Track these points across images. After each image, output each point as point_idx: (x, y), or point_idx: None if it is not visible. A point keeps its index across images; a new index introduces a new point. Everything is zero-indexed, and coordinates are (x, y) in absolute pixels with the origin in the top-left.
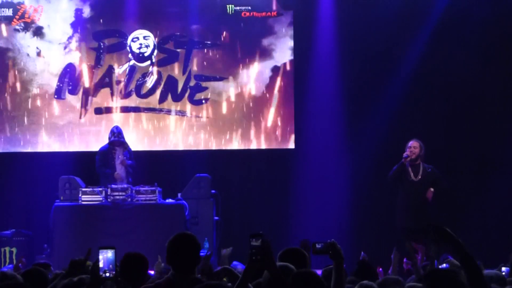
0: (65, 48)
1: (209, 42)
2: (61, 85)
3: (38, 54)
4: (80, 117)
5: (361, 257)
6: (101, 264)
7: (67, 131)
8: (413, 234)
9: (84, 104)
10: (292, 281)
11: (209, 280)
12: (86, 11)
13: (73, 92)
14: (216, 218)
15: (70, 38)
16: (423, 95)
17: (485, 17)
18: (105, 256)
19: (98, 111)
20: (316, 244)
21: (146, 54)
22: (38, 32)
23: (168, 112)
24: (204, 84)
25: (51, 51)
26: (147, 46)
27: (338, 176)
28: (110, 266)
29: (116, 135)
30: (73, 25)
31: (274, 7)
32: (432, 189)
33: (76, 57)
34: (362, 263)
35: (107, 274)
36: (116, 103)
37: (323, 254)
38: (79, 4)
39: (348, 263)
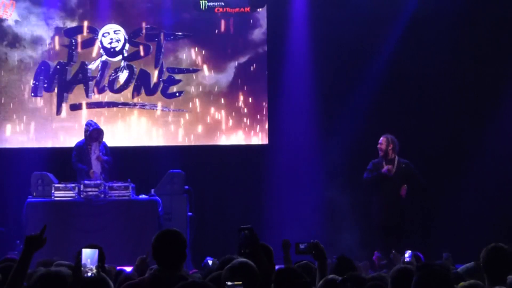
0: (37, 45)
1: (180, 34)
2: (37, 83)
3: (10, 51)
4: (57, 113)
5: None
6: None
7: (41, 128)
8: (388, 231)
9: (59, 101)
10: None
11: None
12: (57, 9)
13: (48, 89)
14: (189, 214)
15: (41, 35)
16: (396, 90)
17: (457, 13)
18: (88, 256)
19: (73, 107)
20: (300, 244)
21: (117, 49)
22: (9, 29)
23: (142, 106)
24: (177, 76)
25: (23, 48)
26: (118, 41)
27: (312, 171)
28: (92, 265)
29: (94, 125)
30: (44, 23)
31: (247, 3)
32: (405, 186)
33: (49, 54)
34: (341, 258)
35: (89, 274)
36: (90, 99)
37: (307, 254)
38: (49, 1)
39: None
